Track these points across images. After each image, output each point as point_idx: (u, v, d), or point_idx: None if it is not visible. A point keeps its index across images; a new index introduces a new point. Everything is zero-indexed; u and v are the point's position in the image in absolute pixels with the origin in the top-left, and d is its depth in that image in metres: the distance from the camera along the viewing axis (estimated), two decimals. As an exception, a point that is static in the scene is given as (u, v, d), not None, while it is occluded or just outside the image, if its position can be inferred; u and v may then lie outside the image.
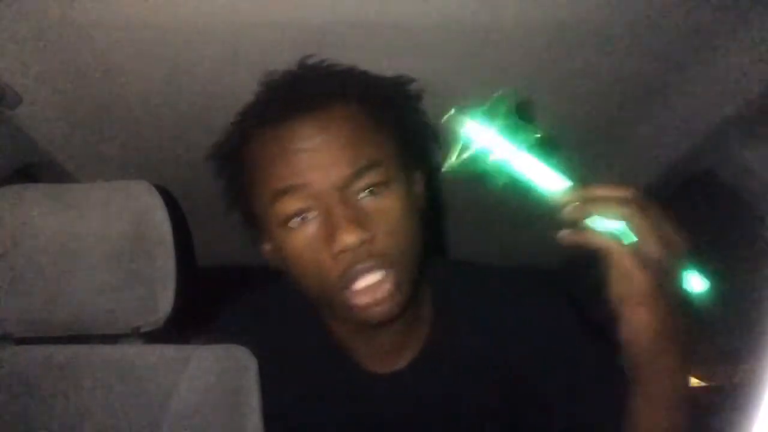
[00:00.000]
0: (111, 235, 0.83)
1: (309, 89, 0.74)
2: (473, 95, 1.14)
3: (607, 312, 0.65)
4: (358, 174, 0.70)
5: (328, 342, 0.85)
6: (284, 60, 1.01)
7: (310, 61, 0.80)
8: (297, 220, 0.71)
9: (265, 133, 0.74)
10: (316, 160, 0.70)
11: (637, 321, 0.60)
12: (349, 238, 0.67)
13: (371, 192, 0.71)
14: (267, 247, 0.81)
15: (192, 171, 1.42)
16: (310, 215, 0.71)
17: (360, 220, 0.68)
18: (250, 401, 0.80)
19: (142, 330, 0.86)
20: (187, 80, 1.06)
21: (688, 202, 1.42)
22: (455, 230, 1.64)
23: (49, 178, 1.21)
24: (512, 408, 0.80)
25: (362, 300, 0.71)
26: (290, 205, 0.70)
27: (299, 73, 0.79)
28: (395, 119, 0.79)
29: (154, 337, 0.87)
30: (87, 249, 0.82)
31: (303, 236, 0.71)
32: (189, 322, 0.93)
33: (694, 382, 1.83)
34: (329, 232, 0.68)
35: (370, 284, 0.70)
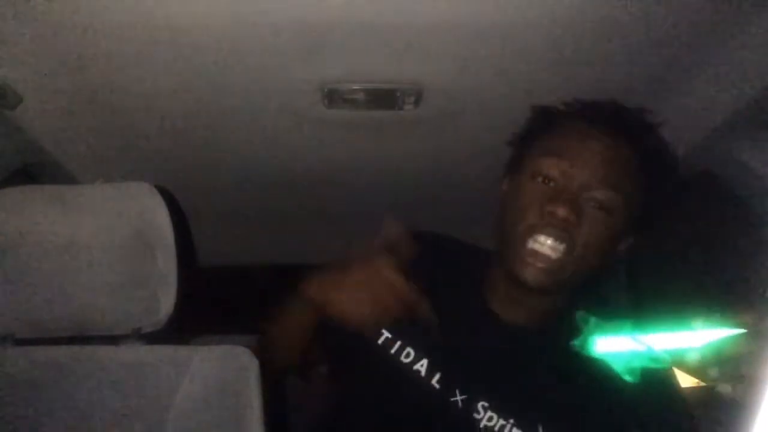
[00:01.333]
0: (112, 236, 0.83)
1: (609, 116, 0.92)
2: (473, 95, 1.15)
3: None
4: (602, 183, 0.87)
5: (479, 290, 1.00)
6: (284, 60, 1.01)
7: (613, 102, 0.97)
8: (540, 179, 0.89)
9: (566, 121, 0.94)
10: (587, 153, 0.88)
11: None
12: (561, 210, 0.84)
13: (598, 207, 0.87)
14: (504, 185, 0.99)
15: (192, 171, 1.42)
16: (552, 183, 0.88)
17: (577, 211, 0.85)
18: (251, 401, 0.80)
19: (143, 331, 0.86)
20: (187, 80, 1.06)
21: (688, 202, 1.42)
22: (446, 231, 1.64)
23: (49, 178, 1.21)
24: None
25: (533, 251, 0.86)
26: (548, 166, 0.88)
27: (612, 105, 0.96)
28: (652, 189, 0.94)
29: (155, 338, 0.87)
30: (88, 250, 0.82)
31: (538, 189, 0.88)
32: (189, 323, 0.93)
33: (694, 382, 1.83)
34: (554, 198, 0.85)
35: (547, 246, 0.86)
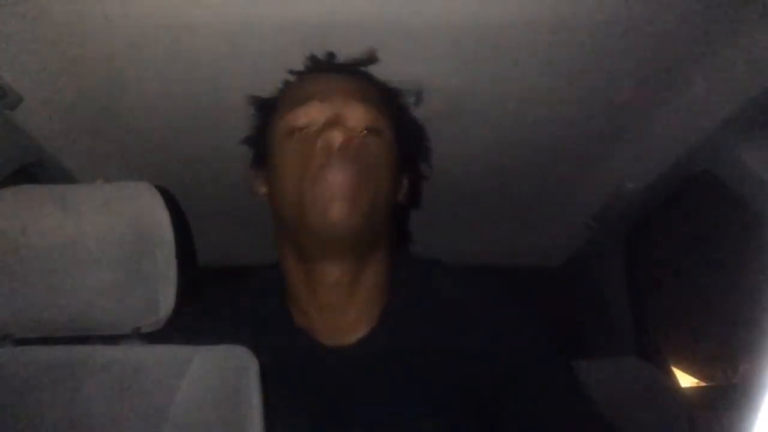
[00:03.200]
0: (112, 236, 0.83)
1: (337, 63, 0.91)
2: (473, 95, 1.15)
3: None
4: (360, 102, 0.83)
5: (287, 317, 0.90)
6: (284, 60, 1.01)
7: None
8: (297, 134, 0.82)
9: (303, 79, 0.91)
10: (331, 85, 0.84)
11: None
12: (336, 132, 0.77)
13: (366, 131, 0.82)
14: (262, 188, 0.93)
15: (192, 171, 1.42)
16: (312, 129, 0.81)
17: (349, 132, 0.79)
18: (251, 401, 0.80)
19: (143, 331, 0.86)
20: (187, 80, 1.06)
21: (688, 202, 1.42)
22: (447, 230, 1.63)
23: (49, 178, 1.21)
24: (454, 403, 0.80)
25: (331, 188, 0.77)
26: (300, 114, 0.82)
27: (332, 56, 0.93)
28: (398, 117, 0.92)
29: (155, 337, 0.87)
30: (88, 250, 0.82)
31: (298, 141, 0.81)
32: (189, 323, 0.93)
33: (694, 382, 1.83)
34: (324, 129, 0.79)
35: (340, 177, 0.77)
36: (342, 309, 0.86)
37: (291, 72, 0.94)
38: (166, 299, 0.84)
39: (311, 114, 0.82)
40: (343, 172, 0.77)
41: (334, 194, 0.77)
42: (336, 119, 0.80)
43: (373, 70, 1.06)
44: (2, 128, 1.04)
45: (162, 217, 0.86)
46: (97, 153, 1.27)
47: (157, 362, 0.83)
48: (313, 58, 0.93)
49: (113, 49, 0.97)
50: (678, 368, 1.72)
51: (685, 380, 1.81)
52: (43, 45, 0.95)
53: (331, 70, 0.89)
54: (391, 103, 0.92)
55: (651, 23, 0.93)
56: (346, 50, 0.98)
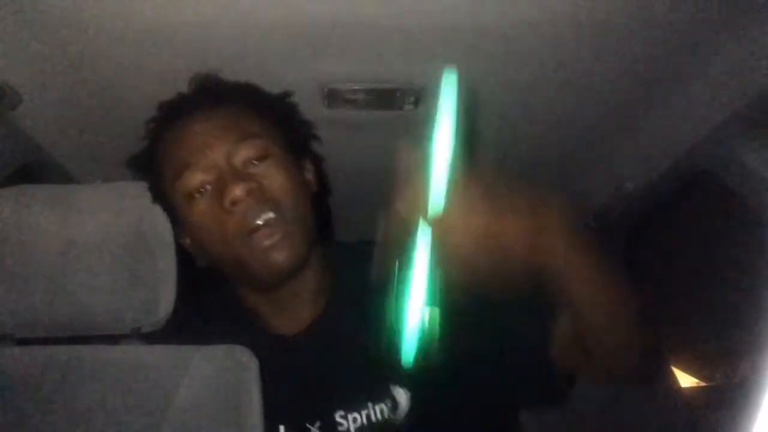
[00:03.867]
0: (112, 237, 0.83)
1: (200, 96, 0.92)
2: (473, 95, 1.15)
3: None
4: (239, 142, 0.85)
5: (238, 308, 0.97)
6: (284, 60, 1.01)
7: (204, 75, 0.96)
8: (198, 196, 0.85)
9: (166, 133, 0.91)
10: (206, 140, 0.85)
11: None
12: (236, 189, 0.80)
13: (257, 160, 0.85)
14: (186, 240, 0.93)
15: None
16: (209, 187, 0.85)
17: (244, 176, 0.83)
18: (250, 401, 0.80)
19: (143, 331, 0.86)
20: (187, 80, 1.06)
21: (688, 202, 1.42)
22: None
23: (49, 178, 1.21)
24: (388, 371, 0.85)
25: (262, 243, 0.82)
26: (190, 179, 0.84)
27: (193, 86, 0.96)
28: (275, 116, 0.95)
29: (155, 337, 0.87)
30: (88, 250, 0.82)
31: (203, 204, 0.85)
32: (189, 323, 0.93)
33: (694, 382, 1.83)
34: (221, 192, 0.82)
35: (265, 226, 0.82)
36: (291, 308, 0.93)
37: (157, 116, 0.95)
38: (166, 299, 0.84)
39: (199, 177, 0.85)
40: (263, 219, 0.82)
41: (270, 247, 0.83)
42: (225, 176, 0.83)
43: (374, 70, 1.06)
44: (2, 128, 1.04)
45: (162, 217, 0.86)
46: (97, 153, 1.27)
47: (157, 362, 0.83)
48: (170, 105, 0.94)
49: (113, 49, 0.97)
50: (678, 368, 1.72)
51: (685, 380, 1.81)
52: (43, 45, 0.95)
53: (197, 109, 0.89)
54: (268, 110, 0.94)
55: (651, 23, 0.93)
56: (346, 50, 0.98)
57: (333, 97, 1.12)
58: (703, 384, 1.77)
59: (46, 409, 0.79)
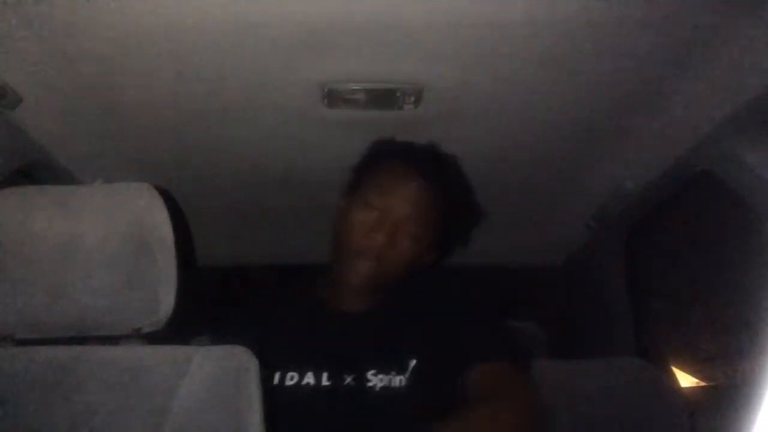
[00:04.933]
0: (112, 237, 0.83)
1: (428, 164, 1.16)
2: (473, 95, 1.15)
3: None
4: (414, 219, 1.12)
5: (307, 290, 1.24)
6: (284, 60, 1.02)
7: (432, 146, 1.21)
8: (367, 208, 1.13)
9: (402, 166, 1.16)
10: (407, 198, 1.12)
11: None
12: (379, 237, 1.09)
13: (407, 236, 1.11)
14: (340, 204, 1.22)
15: (191, 171, 1.42)
16: (375, 213, 1.12)
17: (391, 239, 1.10)
18: (251, 401, 0.80)
19: (144, 331, 0.86)
20: (187, 80, 1.06)
21: (688, 202, 1.42)
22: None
23: (49, 178, 1.21)
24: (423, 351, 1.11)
25: (356, 267, 1.11)
26: (379, 200, 1.12)
27: (412, 148, 1.20)
28: (452, 222, 1.19)
29: (155, 338, 0.87)
30: (88, 251, 0.82)
31: (365, 215, 1.12)
32: (189, 323, 0.93)
33: (693, 382, 1.84)
34: (377, 226, 1.10)
35: (364, 264, 1.11)
36: (354, 299, 1.18)
37: (382, 154, 1.21)
38: (166, 299, 0.84)
39: (383, 204, 1.12)
40: (368, 266, 1.10)
41: (358, 273, 1.11)
42: (388, 222, 1.10)
43: (374, 70, 1.06)
44: (2, 128, 1.04)
45: (162, 218, 0.86)
46: (97, 153, 1.27)
47: (157, 362, 0.83)
48: (410, 150, 1.18)
49: (113, 49, 0.97)
50: (678, 368, 1.72)
51: (685, 380, 1.81)
52: (43, 45, 0.95)
53: (417, 164, 1.14)
54: (451, 209, 1.16)
55: (651, 23, 0.93)
56: (346, 50, 0.99)
57: (333, 97, 1.12)
58: (703, 384, 1.78)
59: (46, 409, 0.79)
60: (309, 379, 1.08)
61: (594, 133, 1.28)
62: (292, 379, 1.08)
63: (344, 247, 1.13)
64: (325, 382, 1.07)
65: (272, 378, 1.07)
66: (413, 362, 1.08)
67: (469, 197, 1.23)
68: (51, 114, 1.10)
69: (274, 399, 0.94)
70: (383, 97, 1.13)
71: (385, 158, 1.19)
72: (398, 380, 1.07)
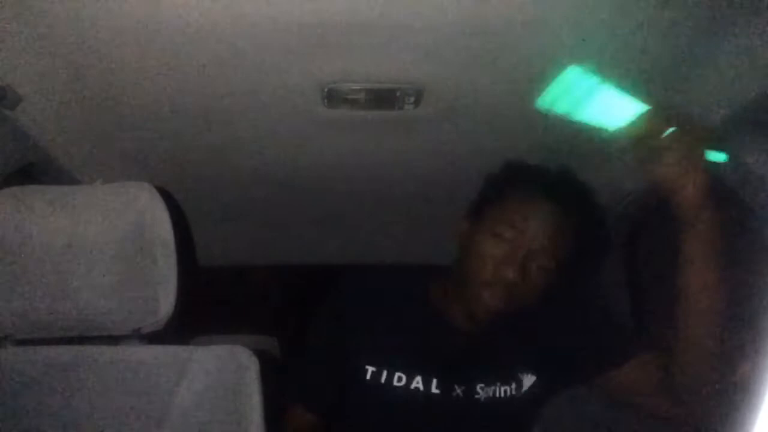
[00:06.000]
0: (112, 237, 0.83)
1: (562, 196, 1.09)
2: (473, 95, 1.15)
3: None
4: (546, 254, 1.05)
5: (426, 305, 1.19)
6: (284, 60, 1.01)
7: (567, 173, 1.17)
8: (496, 238, 1.06)
9: (527, 189, 1.10)
10: (538, 230, 1.06)
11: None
12: (511, 272, 1.03)
13: (539, 268, 1.05)
14: (464, 226, 1.15)
15: (192, 171, 1.42)
16: (505, 244, 1.05)
17: (522, 273, 1.04)
18: (251, 401, 0.80)
19: (144, 331, 0.86)
20: (187, 80, 1.06)
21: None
22: (447, 230, 1.63)
23: (49, 178, 1.21)
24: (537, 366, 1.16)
25: (482, 298, 1.05)
26: (505, 231, 1.05)
27: (544, 174, 1.15)
28: (581, 239, 1.12)
29: (155, 338, 0.87)
30: (88, 251, 0.82)
31: (495, 244, 1.06)
32: (189, 323, 0.93)
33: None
34: (506, 258, 1.04)
35: (495, 300, 1.05)
36: (472, 321, 1.14)
37: (512, 179, 1.14)
38: (166, 299, 0.85)
39: (510, 234, 1.05)
40: (497, 300, 1.05)
41: (485, 304, 1.05)
42: (519, 256, 1.04)
43: (374, 70, 1.06)
44: (2, 128, 1.04)
45: (162, 217, 0.86)
46: (97, 153, 1.27)
47: (157, 362, 0.83)
48: (540, 176, 1.12)
49: (113, 49, 0.97)
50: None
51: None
52: (43, 45, 0.95)
53: (547, 191, 1.08)
54: (584, 236, 1.11)
55: (650, 23, 0.93)
56: (346, 50, 0.98)
57: (333, 97, 1.12)
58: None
59: (46, 409, 0.80)
60: (418, 383, 1.10)
61: (594, 133, 1.28)
62: (400, 380, 1.09)
63: (471, 277, 1.07)
64: (434, 389, 1.10)
65: (380, 375, 1.10)
66: (532, 378, 1.13)
67: (602, 227, 1.22)
68: (51, 114, 1.10)
69: (377, 396, 1.09)
70: (383, 97, 1.13)
71: (515, 185, 1.12)
72: (503, 390, 1.12)
